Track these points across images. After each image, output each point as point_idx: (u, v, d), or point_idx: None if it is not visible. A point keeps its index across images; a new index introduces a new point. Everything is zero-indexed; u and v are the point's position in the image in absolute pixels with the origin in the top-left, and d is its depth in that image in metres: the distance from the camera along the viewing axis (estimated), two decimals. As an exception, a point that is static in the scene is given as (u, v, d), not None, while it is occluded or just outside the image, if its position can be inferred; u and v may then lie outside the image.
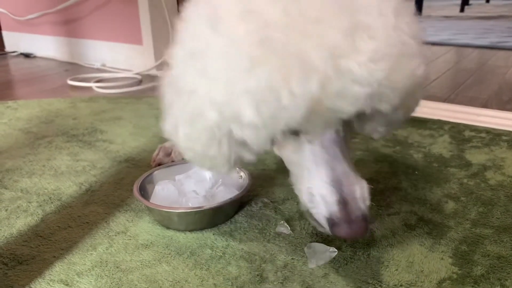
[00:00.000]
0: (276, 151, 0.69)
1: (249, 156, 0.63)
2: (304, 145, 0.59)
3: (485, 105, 1.50)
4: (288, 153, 0.64)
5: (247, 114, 0.51)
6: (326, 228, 0.58)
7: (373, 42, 0.49)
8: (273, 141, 0.58)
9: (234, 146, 0.61)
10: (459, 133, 1.23)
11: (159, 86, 0.69)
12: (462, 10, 5.03)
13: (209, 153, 0.62)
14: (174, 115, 0.63)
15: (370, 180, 0.95)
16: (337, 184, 0.56)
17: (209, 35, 0.54)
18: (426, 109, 1.44)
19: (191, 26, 0.59)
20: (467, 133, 1.23)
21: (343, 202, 0.56)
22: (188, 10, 0.62)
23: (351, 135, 0.66)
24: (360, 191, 0.58)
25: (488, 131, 1.24)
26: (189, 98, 0.58)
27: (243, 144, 0.59)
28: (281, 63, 0.49)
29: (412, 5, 0.58)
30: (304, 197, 0.61)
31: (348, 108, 0.51)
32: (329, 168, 0.57)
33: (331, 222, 0.56)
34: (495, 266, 0.69)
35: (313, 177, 0.58)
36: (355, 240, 0.66)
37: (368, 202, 0.58)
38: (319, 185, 0.57)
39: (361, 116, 0.57)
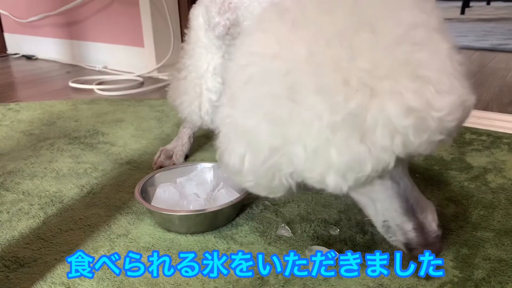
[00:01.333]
0: None
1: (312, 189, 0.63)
2: (374, 180, 0.59)
3: (485, 107, 1.50)
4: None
5: (330, 180, 0.53)
6: (406, 252, 0.63)
7: (444, 98, 0.52)
8: None
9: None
10: (459, 135, 1.23)
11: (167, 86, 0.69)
12: (462, 12, 5.03)
13: (272, 185, 0.63)
14: (239, 154, 0.61)
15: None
16: (411, 213, 0.60)
17: (291, 106, 0.54)
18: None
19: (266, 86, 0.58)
20: (467, 136, 1.23)
21: (419, 228, 0.60)
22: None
23: None
24: (431, 215, 0.62)
25: (488, 133, 1.24)
26: (262, 151, 0.58)
27: None
28: (359, 130, 0.50)
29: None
30: (380, 229, 0.64)
31: (424, 153, 0.54)
32: (401, 199, 0.60)
33: (410, 247, 0.62)
34: (496, 270, 0.69)
35: (387, 209, 0.61)
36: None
37: (437, 220, 0.63)
38: (394, 216, 0.61)
39: None
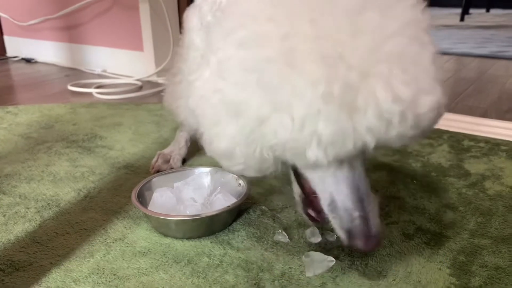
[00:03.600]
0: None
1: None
2: (332, 165, 0.60)
3: (484, 114, 1.50)
4: (312, 172, 0.65)
5: (312, 153, 0.54)
6: (342, 238, 0.62)
7: (426, 96, 0.54)
8: None
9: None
10: (458, 142, 1.23)
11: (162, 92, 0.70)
12: (462, 19, 5.05)
13: (262, 167, 0.63)
14: (232, 134, 0.61)
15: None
16: (361, 202, 0.61)
17: (285, 72, 0.54)
18: (426, 118, 1.44)
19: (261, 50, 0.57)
20: (466, 143, 1.23)
21: (364, 219, 0.60)
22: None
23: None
24: (376, 211, 0.62)
25: (487, 140, 1.24)
26: (249, 121, 0.57)
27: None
28: (349, 107, 0.51)
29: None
30: (326, 207, 0.64)
31: (390, 146, 0.56)
32: (354, 186, 0.61)
33: (351, 234, 0.61)
34: (493, 277, 0.69)
35: (339, 192, 0.62)
36: (368, 252, 0.70)
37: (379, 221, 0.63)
38: (344, 199, 0.61)
39: None
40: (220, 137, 0.62)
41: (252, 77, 0.55)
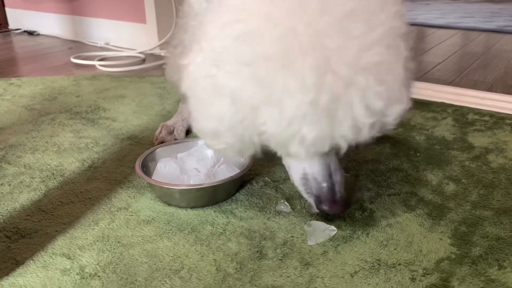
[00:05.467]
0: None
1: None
2: None
3: (490, 89, 1.49)
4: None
5: (293, 149, 0.62)
6: (312, 204, 0.72)
7: (395, 106, 0.61)
8: None
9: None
10: (462, 116, 1.22)
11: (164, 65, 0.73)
12: (470, -7, 4.95)
13: (243, 149, 0.70)
14: (218, 116, 0.65)
15: (371, 161, 0.96)
16: (328, 175, 0.70)
17: (280, 71, 0.58)
18: (430, 92, 1.43)
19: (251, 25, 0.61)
20: (470, 116, 1.22)
21: (331, 187, 0.70)
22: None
23: None
24: (341, 183, 0.71)
25: (491, 114, 1.23)
26: (248, 112, 0.62)
27: None
28: (334, 116, 0.58)
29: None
30: (298, 181, 0.73)
31: (364, 138, 0.62)
32: (326, 165, 0.70)
33: (319, 200, 0.70)
34: (493, 247, 0.69)
35: (311, 167, 0.70)
36: (334, 216, 0.76)
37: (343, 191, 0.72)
38: (315, 172, 0.70)
39: None
40: (209, 118, 0.66)
41: (246, 69, 0.60)
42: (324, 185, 0.70)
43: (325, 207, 0.70)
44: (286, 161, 0.75)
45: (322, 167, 0.70)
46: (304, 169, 0.71)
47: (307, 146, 0.60)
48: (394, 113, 0.61)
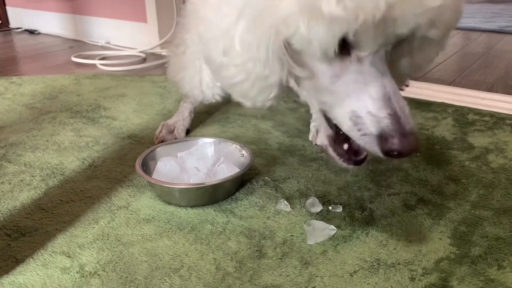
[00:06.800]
0: (301, 90, 0.66)
1: (301, 73, 0.59)
2: (350, 66, 0.56)
3: (490, 89, 1.49)
4: (326, 80, 0.58)
5: (323, 5, 0.49)
6: (376, 150, 0.55)
7: None
8: (327, 54, 0.54)
9: (288, 63, 0.59)
10: (462, 116, 1.22)
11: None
12: (471, -7, 4.94)
13: (264, 72, 0.60)
14: (229, 23, 0.59)
15: (371, 161, 0.96)
16: (387, 99, 0.54)
17: None
18: (431, 92, 1.43)
19: None
20: (470, 117, 1.22)
21: (395, 116, 0.53)
22: None
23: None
24: (408, 110, 0.55)
25: (492, 114, 1.23)
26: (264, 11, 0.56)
27: (298, 57, 0.58)
28: None
29: None
30: (346, 124, 0.57)
31: (401, 28, 0.51)
32: (379, 84, 0.54)
33: (384, 137, 0.53)
34: (493, 247, 0.69)
35: (360, 98, 0.55)
36: (407, 156, 0.54)
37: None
38: (367, 103, 0.54)
39: (405, 47, 0.57)
40: (220, 39, 0.60)
41: None
42: (385, 114, 0.53)
43: (394, 145, 0.52)
44: (327, 103, 0.60)
45: (374, 89, 0.54)
46: (351, 106, 0.56)
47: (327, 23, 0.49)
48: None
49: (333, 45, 0.52)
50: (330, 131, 0.65)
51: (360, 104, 0.55)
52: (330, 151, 0.64)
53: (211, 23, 0.63)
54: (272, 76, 0.61)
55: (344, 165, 0.63)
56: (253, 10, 0.57)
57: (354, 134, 0.56)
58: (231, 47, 0.61)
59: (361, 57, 0.56)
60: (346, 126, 0.57)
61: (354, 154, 0.63)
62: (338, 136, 0.64)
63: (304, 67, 0.59)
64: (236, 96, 0.69)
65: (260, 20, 0.57)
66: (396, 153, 0.53)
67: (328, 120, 0.64)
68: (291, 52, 0.58)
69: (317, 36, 0.52)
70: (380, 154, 0.54)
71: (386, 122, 0.53)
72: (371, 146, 0.55)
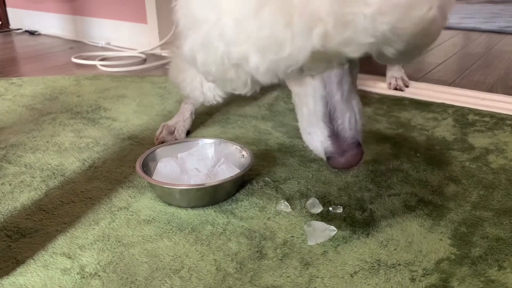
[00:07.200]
0: (288, 84, 0.69)
1: (263, 81, 0.61)
2: (307, 79, 0.59)
3: (490, 89, 1.49)
4: (294, 87, 0.64)
5: (251, 59, 0.52)
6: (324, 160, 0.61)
7: None
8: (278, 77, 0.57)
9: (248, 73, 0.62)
10: (463, 116, 1.23)
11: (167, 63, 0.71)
12: (471, -6, 4.95)
13: (227, 77, 0.64)
14: (191, 42, 0.62)
15: (372, 162, 0.96)
16: (328, 119, 0.58)
17: None
18: (431, 93, 1.43)
19: None
20: (471, 117, 1.22)
21: (334, 135, 0.58)
22: None
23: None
24: (350, 119, 0.59)
25: (492, 115, 1.23)
26: (202, 28, 0.58)
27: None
28: (285, 11, 0.48)
29: None
30: (304, 138, 0.63)
31: (350, 55, 0.51)
32: (323, 103, 0.58)
33: (327, 156, 0.59)
34: (493, 248, 0.69)
35: (311, 115, 0.59)
36: (350, 168, 0.61)
37: (360, 126, 0.60)
38: (314, 123, 0.59)
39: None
40: (185, 45, 0.63)
41: None
42: (325, 136, 0.58)
43: (335, 164, 0.58)
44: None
45: (318, 107, 0.58)
46: (308, 120, 0.61)
47: (264, 53, 0.51)
48: (375, 2, 0.48)
49: (272, 79, 0.56)
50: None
51: (310, 123, 0.60)
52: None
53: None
54: (236, 80, 0.65)
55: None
56: (200, 45, 0.60)
57: (310, 148, 0.63)
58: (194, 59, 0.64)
59: (313, 75, 0.58)
60: (304, 137, 0.64)
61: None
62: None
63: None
64: (222, 85, 0.71)
65: (209, 52, 0.60)
66: (339, 169, 0.59)
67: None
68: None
69: (255, 74, 0.56)
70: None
71: (326, 144, 0.58)
72: (323, 157, 0.61)
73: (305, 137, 0.62)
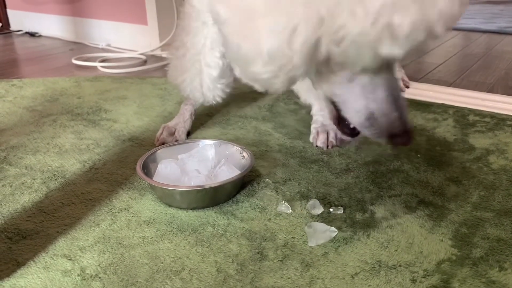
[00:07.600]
0: (319, 87, 0.68)
1: (328, 74, 0.63)
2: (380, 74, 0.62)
3: (491, 90, 1.49)
4: (345, 79, 0.63)
5: (387, 46, 0.53)
6: (383, 141, 0.65)
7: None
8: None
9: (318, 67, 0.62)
10: (463, 117, 1.22)
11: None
12: (471, -6, 4.95)
13: (295, 74, 0.61)
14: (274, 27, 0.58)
15: (372, 162, 0.96)
16: (396, 101, 0.63)
17: None
18: (431, 93, 1.43)
19: None
20: (471, 118, 1.22)
21: (402, 116, 0.63)
22: None
23: None
24: (406, 108, 0.65)
25: (492, 115, 1.23)
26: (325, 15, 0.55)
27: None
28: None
29: None
30: (363, 124, 0.65)
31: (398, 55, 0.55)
32: (390, 87, 0.62)
33: (394, 134, 0.63)
34: (494, 249, 0.69)
35: (376, 100, 0.63)
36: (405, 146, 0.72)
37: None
38: (382, 106, 0.62)
39: None
40: (265, 33, 0.57)
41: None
42: (396, 116, 0.63)
43: (401, 141, 0.64)
44: (344, 104, 0.66)
45: (387, 93, 0.62)
46: (368, 108, 0.63)
47: (402, 40, 0.52)
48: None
49: (375, 66, 0.58)
50: (335, 112, 0.71)
51: (375, 107, 0.63)
52: (336, 128, 0.73)
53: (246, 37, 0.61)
54: (299, 73, 0.61)
55: (348, 138, 0.73)
56: (309, 29, 0.56)
57: (364, 128, 0.65)
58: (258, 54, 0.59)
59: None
60: (357, 121, 0.65)
61: (352, 129, 0.71)
62: (341, 116, 0.70)
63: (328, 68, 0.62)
64: (255, 85, 0.67)
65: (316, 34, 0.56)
66: (401, 145, 0.65)
67: (333, 103, 0.69)
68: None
69: (364, 58, 0.56)
70: (383, 143, 0.65)
71: (397, 124, 0.63)
72: (378, 138, 0.65)
73: (364, 119, 0.64)
